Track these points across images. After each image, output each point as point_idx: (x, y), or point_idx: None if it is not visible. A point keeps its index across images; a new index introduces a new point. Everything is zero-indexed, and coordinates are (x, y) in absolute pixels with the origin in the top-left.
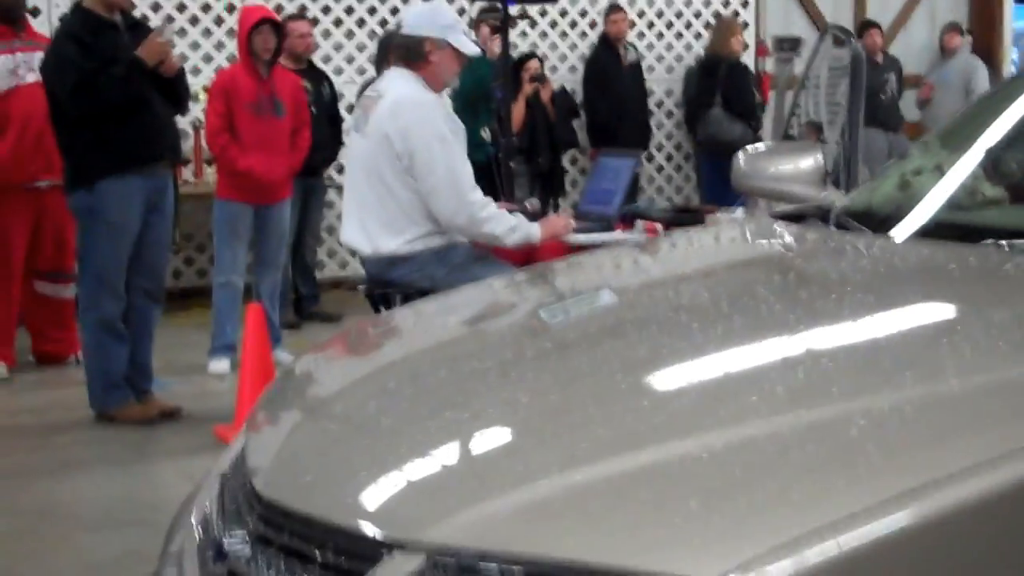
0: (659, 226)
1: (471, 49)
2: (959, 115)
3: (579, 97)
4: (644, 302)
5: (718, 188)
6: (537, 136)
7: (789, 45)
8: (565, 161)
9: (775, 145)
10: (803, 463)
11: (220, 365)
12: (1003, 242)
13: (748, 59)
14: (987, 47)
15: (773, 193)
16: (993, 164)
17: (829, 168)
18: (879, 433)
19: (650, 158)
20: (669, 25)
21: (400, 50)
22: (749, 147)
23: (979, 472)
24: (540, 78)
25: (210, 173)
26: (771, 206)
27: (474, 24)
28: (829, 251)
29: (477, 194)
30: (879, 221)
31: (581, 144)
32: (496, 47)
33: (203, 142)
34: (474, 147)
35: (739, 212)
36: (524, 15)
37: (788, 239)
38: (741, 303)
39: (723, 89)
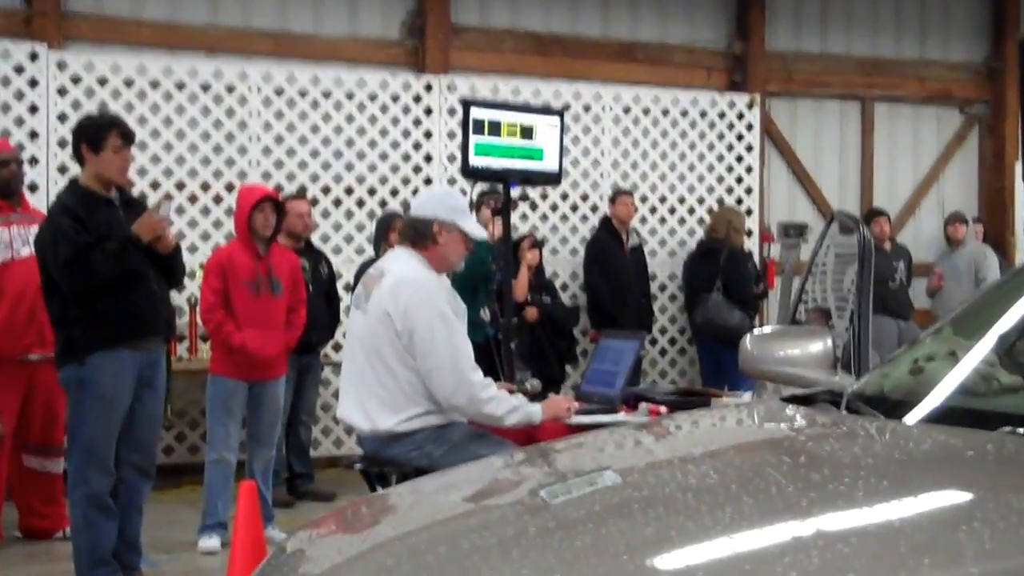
0: (663, 409)
1: (479, 232)
2: (972, 302)
3: (579, 280)
4: (650, 482)
5: (712, 372)
6: (544, 351)
7: (795, 231)
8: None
9: (783, 329)
10: None
11: (211, 542)
12: (1020, 429)
13: (752, 245)
14: (998, 235)
15: (782, 377)
16: (1008, 351)
17: (839, 353)
18: None
19: (653, 341)
20: (672, 211)
21: (408, 231)
22: (756, 330)
23: None
24: (540, 244)
25: (204, 350)
26: (780, 390)
27: (475, 206)
28: (841, 435)
29: (477, 374)
30: (892, 406)
31: (579, 362)
32: (497, 229)
33: (198, 318)
34: (474, 328)
35: (747, 396)
36: (525, 197)
37: (799, 422)
38: (751, 485)
39: (723, 276)
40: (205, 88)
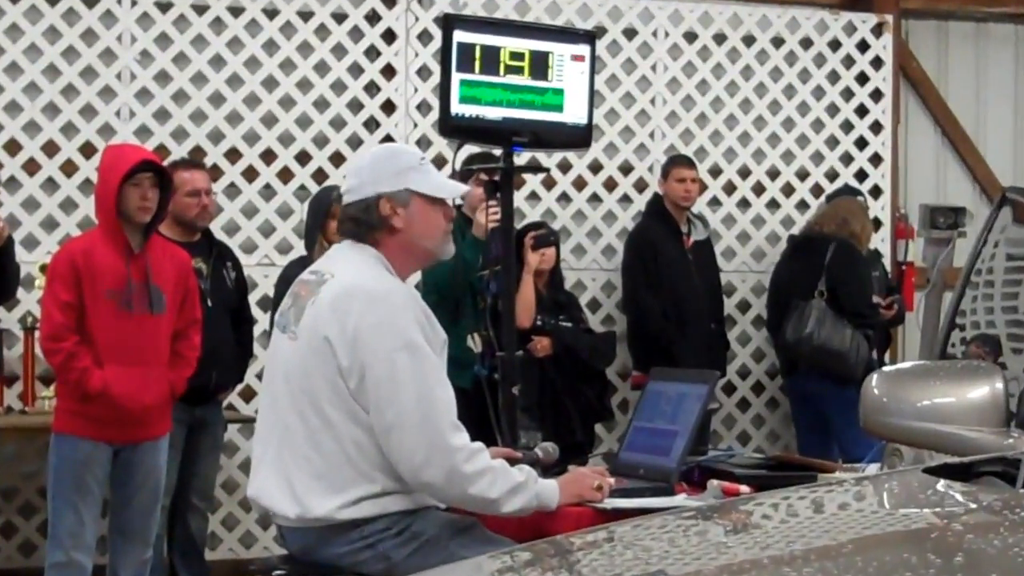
0: (745, 488)
1: (448, 188)
2: None
3: (616, 293)
4: None
5: (810, 430)
6: (562, 402)
7: (946, 221)
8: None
9: (929, 366)
10: None
11: None
12: None
13: (881, 242)
14: None
15: (926, 437)
16: None
17: (1013, 404)
18: None
19: (730, 388)
20: (759, 190)
21: (348, 223)
22: (888, 368)
23: None
24: (546, 239)
25: (47, 395)
26: (923, 458)
27: (457, 180)
28: (1017, 523)
29: (461, 436)
30: None
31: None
32: (491, 217)
33: (37, 348)
34: (457, 366)
35: (872, 468)
36: (537, 167)
37: (953, 504)
38: None
39: (829, 278)
40: None
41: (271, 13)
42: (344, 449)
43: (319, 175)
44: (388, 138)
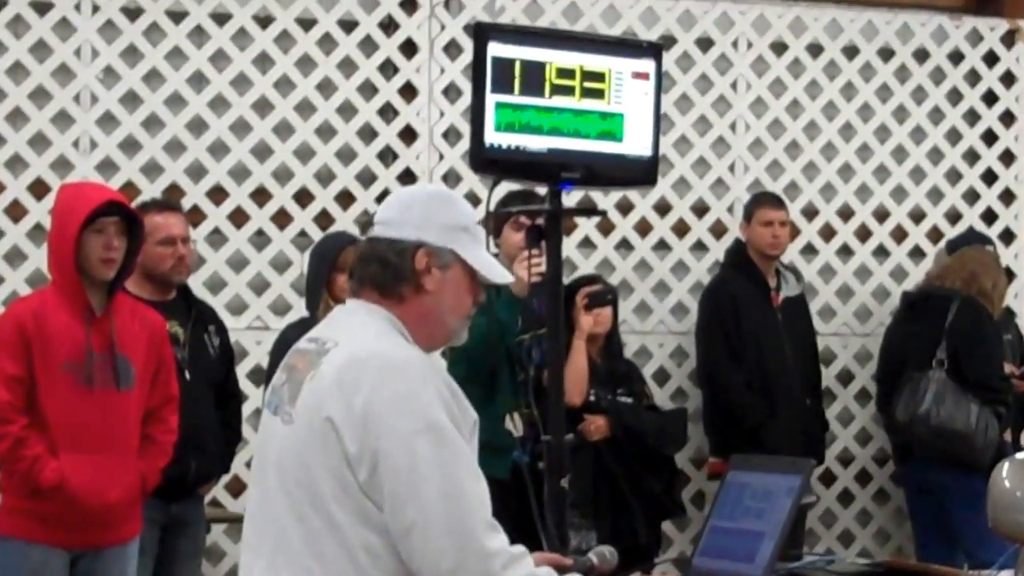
0: None
1: (496, 271)
2: None
3: (688, 362)
4: None
5: (931, 530)
6: (622, 495)
7: None
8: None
9: None
10: None
11: None
12: None
13: (1016, 299)
14: None
15: None
16: None
17: None
18: None
19: (829, 478)
20: (864, 235)
21: (370, 265)
22: (1021, 455)
23: None
24: (602, 297)
25: None
26: None
27: (492, 225)
28: None
29: (498, 537)
30: None
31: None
32: (533, 268)
33: None
34: (491, 452)
35: (1004, 575)
36: (590, 209)
37: None
38: None
39: (952, 343)
40: None
41: (264, 21)
42: (352, 555)
43: (323, 218)
44: (408, 173)
